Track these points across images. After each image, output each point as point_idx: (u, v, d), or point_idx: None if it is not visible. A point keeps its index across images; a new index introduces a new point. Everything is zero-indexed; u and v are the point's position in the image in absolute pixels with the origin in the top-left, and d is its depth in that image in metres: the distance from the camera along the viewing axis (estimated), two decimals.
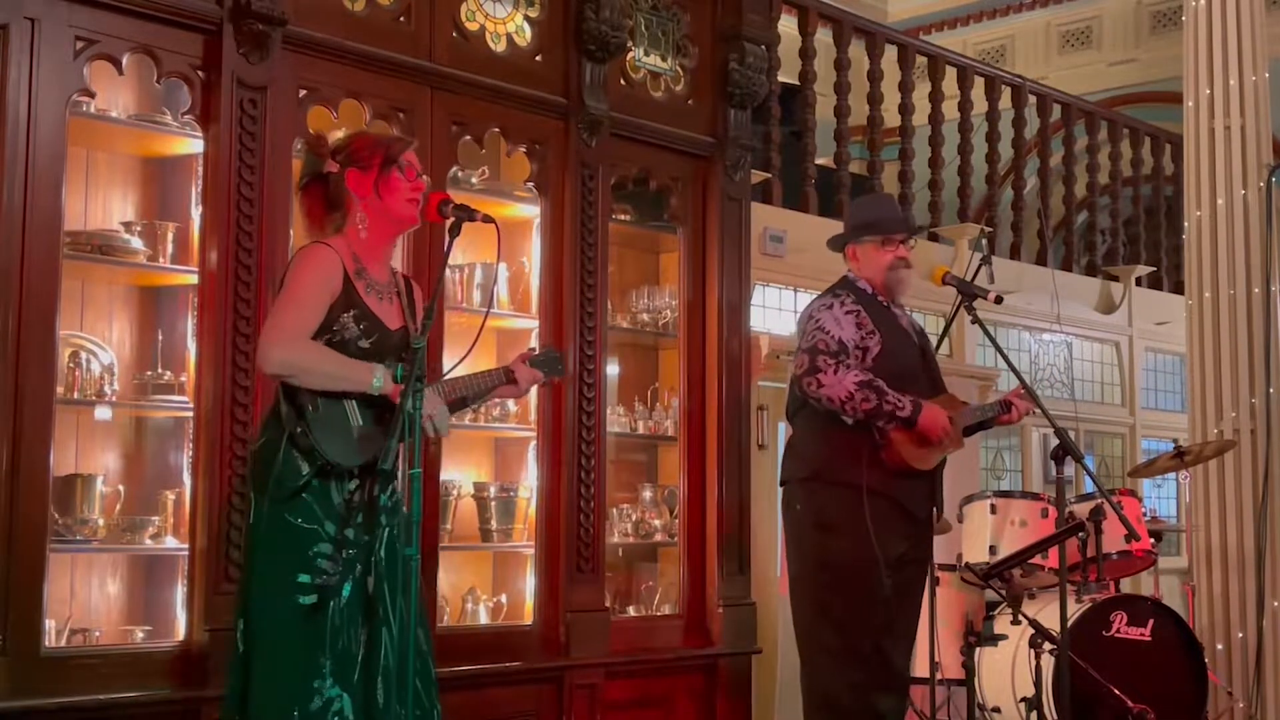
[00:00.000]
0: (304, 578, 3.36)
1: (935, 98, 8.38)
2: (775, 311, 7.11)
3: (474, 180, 5.20)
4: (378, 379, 3.42)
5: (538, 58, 5.20)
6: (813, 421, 4.52)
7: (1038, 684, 4.93)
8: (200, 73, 4.34)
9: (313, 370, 3.40)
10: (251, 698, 3.37)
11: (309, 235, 3.62)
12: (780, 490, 4.68)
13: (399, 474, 3.59)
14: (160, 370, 4.39)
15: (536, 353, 3.85)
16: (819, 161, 7.80)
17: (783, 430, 4.75)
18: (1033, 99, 9.13)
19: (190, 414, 4.33)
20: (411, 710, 3.42)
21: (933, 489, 4.55)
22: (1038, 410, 4.64)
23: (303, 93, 4.55)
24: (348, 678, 3.38)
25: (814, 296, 4.74)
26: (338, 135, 3.81)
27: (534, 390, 5.06)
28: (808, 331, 4.51)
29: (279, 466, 3.38)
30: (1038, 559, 5.35)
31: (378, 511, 3.48)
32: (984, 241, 6.07)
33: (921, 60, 8.60)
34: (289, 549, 3.38)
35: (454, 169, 4.98)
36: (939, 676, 5.28)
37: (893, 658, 4.50)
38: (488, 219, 3.56)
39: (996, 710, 5.54)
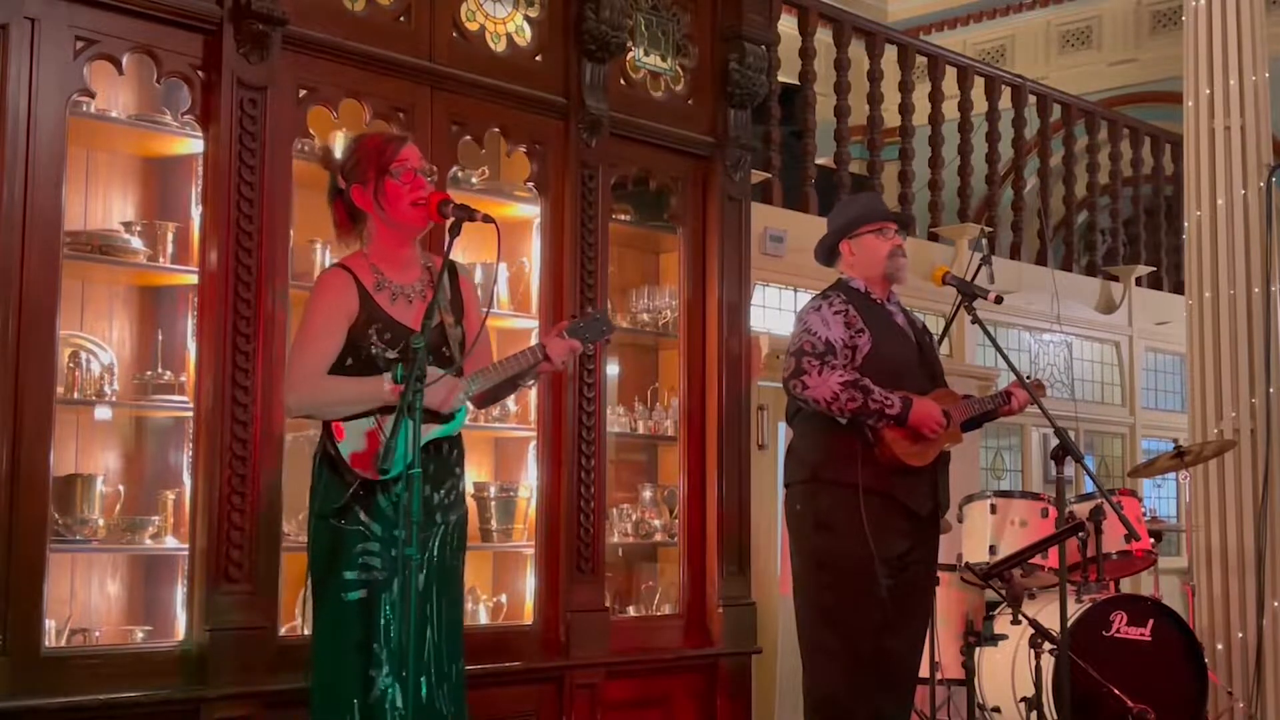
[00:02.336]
0: (350, 574, 3.51)
1: (935, 98, 8.38)
2: (775, 311, 7.12)
3: (474, 180, 5.20)
4: (399, 371, 3.51)
5: (538, 58, 5.20)
6: (809, 423, 4.53)
7: (1038, 684, 4.93)
8: (200, 73, 4.33)
9: (331, 404, 3.57)
10: (312, 690, 3.54)
11: (339, 245, 3.79)
12: (783, 492, 4.69)
13: (456, 470, 3.68)
14: (160, 370, 4.39)
15: (576, 320, 3.84)
16: (819, 161, 7.80)
17: (783, 430, 4.76)
18: (1033, 99, 9.14)
19: (190, 414, 4.33)
20: (411, 706, 3.46)
21: (934, 485, 4.54)
22: (1036, 402, 4.63)
23: (303, 93, 4.54)
24: (398, 670, 3.48)
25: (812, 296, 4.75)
26: (339, 137, 3.86)
27: (534, 390, 5.10)
28: (795, 334, 4.53)
29: (323, 484, 3.55)
30: (1038, 559, 5.36)
31: (432, 510, 3.58)
32: (984, 241, 6.07)
33: (921, 60, 8.60)
34: (336, 550, 3.52)
35: (454, 169, 4.98)
36: (939, 676, 5.28)
37: (896, 657, 4.50)
38: (488, 219, 3.57)
39: (996, 710, 5.54)
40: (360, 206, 3.65)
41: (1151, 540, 5.80)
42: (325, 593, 3.55)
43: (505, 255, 4.97)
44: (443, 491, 3.62)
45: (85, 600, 4.39)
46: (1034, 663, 4.91)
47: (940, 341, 5.04)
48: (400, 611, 3.44)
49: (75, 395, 4.21)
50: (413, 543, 3.31)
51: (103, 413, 4.37)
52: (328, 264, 4.64)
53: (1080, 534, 5.06)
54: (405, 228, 3.66)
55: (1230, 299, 6.61)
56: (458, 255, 4.97)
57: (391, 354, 3.57)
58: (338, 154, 3.85)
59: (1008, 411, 4.73)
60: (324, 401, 3.56)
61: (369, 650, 3.49)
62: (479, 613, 5.10)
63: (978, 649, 5.23)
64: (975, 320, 4.66)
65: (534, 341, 3.81)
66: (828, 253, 4.76)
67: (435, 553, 3.60)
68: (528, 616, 5.12)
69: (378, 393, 3.51)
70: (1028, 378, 4.70)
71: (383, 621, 3.50)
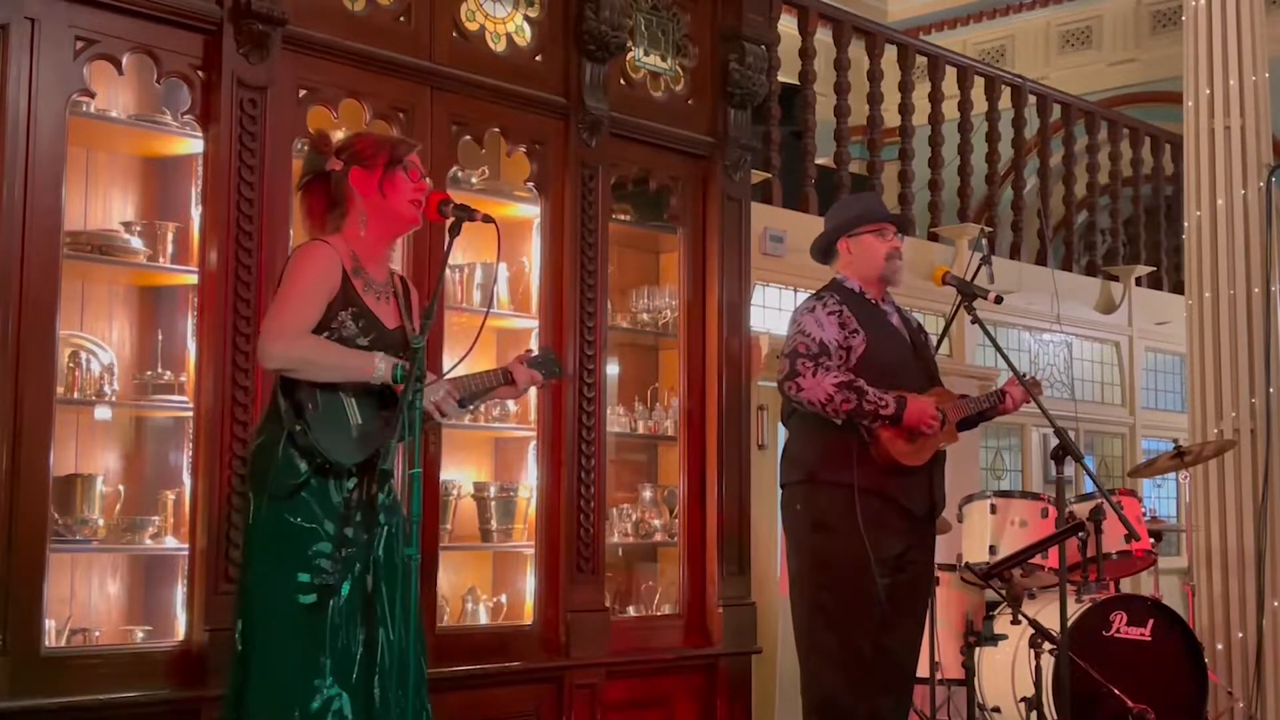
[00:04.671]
0: (304, 577, 3.37)
1: (935, 98, 8.38)
2: (775, 311, 7.12)
3: (474, 180, 5.21)
4: (380, 368, 3.41)
5: (538, 58, 5.20)
6: (804, 424, 4.53)
7: (1038, 684, 4.93)
8: (200, 73, 4.34)
9: (314, 362, 3.41)
10: (247, 696, 3.39)
11: (309, 234, 3.62)
12: (780, 492, 4.69)
13: (396, 473, 3.60)
14: (160, 370, 4.39)
15: (534, 354, 3.84)
16: (819, 161, 7.80)
17: (782, 431, 4.76)
18: (1033, 99, 9.13)
19: (190, 414, 4.32)
20: (411, 711, 3.43)
21: (930, 485, 4.55)
22: (1034, 401, 4.63)
23: (303, 93, 4.55)
24: (347, 677, 3.39)
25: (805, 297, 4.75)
26: (339, 134, 3.83)
27: (534, 390, 5.09)
28: (789, 336, 4.53)
29: (278, 464, 3.39)
30: (1038, 559, 5.36)
31: (376, 510, 3.48)
32: (984, 241, 6.06)
33: (921, 60, 8.60)
34: (289, 548, 3.39)
35: (454, 169, 4.98)
36: (939, 676, 5.28)
37: (894, 657, 4.50)
38: (488, 219, 3.57)
39: (996, 710, 5.54)
40: (356, 188, 3.55)
41: (1151, 540, 5.80)
42: (271, 592, 3.39)
43: (505, 255, 4.98)
44: (385, 493, 3.53)
45: (85, 600, 4.39)
46: (1034, 663, 4.92)
47: (940, 341, 5.04)
48: (347, 616, 3.40)
49: (75, 395, 4.21)
50: (413, 542, 3.30)
51: (103, 413, 4.37)
52: None
53: (1080, 534, 5.06)
54: (398, 222, 3.64)
55: (1230, 299, 6.61)
56: (458, 255, 5.00)
57: (363, 342, 3.52)
58: (334, 139, 3.75)
59: (1004, 410, 4.73)
60: (309, 359, 3.40)
61: (314, 657, 3.36)
62: (479, 613, 5.11)
63: (978, 649, 5.23)
64: (975, 320, 4.66)
65: (534, 345, 3.82)
66: (824, 250, 4.76)
67: (380, 553, 3.48)
68: (528, 616, 5.12)
69: (362, 365, 3.42)
70: (1024, 376, 4.70)
71: (330, 627, 3.39)
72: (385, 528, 3.51)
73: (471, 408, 3.98)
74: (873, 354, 4.49)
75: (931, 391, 4.59)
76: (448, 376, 3.68)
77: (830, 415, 4.40)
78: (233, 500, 4.20)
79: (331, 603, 3.39)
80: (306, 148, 3.72)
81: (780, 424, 4.76)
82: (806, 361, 4.42)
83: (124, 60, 4.23)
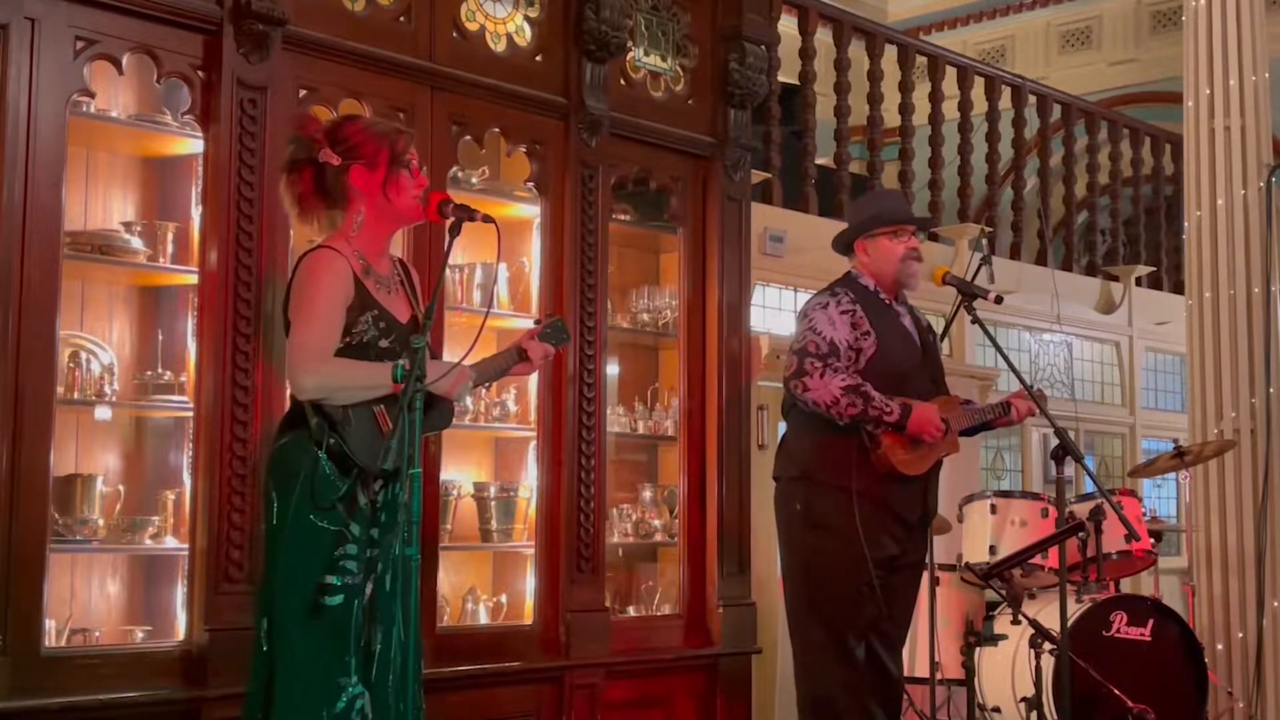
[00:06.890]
0: (331, 579, 3.41)
1: (935, 98, 8.38)
2: (775, 311, 7.12)
3: (474, 180, 5.20)
4: (399, 370, 3.43)
5: (538, 58, 5.20)
6: (804, 421, 4.53)
7: (1038, 684, 4.93)
8: (200, 73, 4.33)
9: (344, 388, 3.47)
10: (275, 697, 3.42)
11: (299, 221, 3.65)
12: (774, 485, 4.69)
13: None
14: (160, 370, 4.38)
15: (543, 326, 3.91)
16: (819, 161, 7.80)
17: (783, 429, 4.76)
18: (1033, 99, 9.14)
19: (190, 414, 4.32)
20: (411, 707, 3.44)
21: (925, 493, 4.55)
22: (1040, 412, 4.64)
23: (303, 93, 4.54)
24: (367, 674, 3.44)
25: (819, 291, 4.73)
26: (327, 117, 3.80)
27: (534, 390, 5.10)
28: (800, 331, 4.52)
29: (310, 474, 3.42)
30: (1038, 559, 5.36)
31: (398, 508, 3.51)
32: (984, 241, 6.07)
33: (921, 60, 8.60)
34: (316, 551, 3.42)
35: (454, 169, 4.98)
36: (939, 676, 5.28)
37: (881, 658, 4.51)
38: (488, 219, 3.57)
39: (996, 710, 5.54)
40: (358, 188, 3.57)
41: (1151, 540, 5.80)
42: (298, 594, 3.42)
43: (505, 255, 4.97)
44: (400, 487, 3.56)
45: (85, 600, 4.39)
46: (1034, 663, 4.91)
47: (940, 341, 5.04)
48: (370, 615, 3.42)
49: (75, 395, 4.21)
50: (413, 543, 3.30)
51: (103, 413, 4.37)
52: None
53: (1080, 534, 5.06)
54: (403, 219, 3.67)
55: (1230, 299, 6.60)
56: (458, 255, 4.99)
57: (384, 343, 3.53)
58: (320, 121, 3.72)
59: (1007, 422, 4.73)
60: (342, 384, 3.46)
61: (340, 657, 3.41)
62: (479, 613, 5.10)
63: (978, 649, 5.23)
64: (975, 320, 4.66)
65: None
66: (844, 248, 4.75)
67: (396, 551, 3.51)
68: (528, 616, 5.12)
69: (385, 380, 3.46)
70: (1032, 388, 4.70)
71: (354, 626, 3.42)
72: (401, 525, 3.53)
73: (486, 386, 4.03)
74: (882, 357, 4.49)
75: (937, 399, 4.58)
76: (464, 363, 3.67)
77: (834, 417, 4.39)
78: (233, 500, 4.20)
79: (356, 602, 3.43)
80: (292, 132, 3.70)
81: (783, 421, 4.75)
82: (815, 361, 4.41)
83: (124, 60, 4.22)
